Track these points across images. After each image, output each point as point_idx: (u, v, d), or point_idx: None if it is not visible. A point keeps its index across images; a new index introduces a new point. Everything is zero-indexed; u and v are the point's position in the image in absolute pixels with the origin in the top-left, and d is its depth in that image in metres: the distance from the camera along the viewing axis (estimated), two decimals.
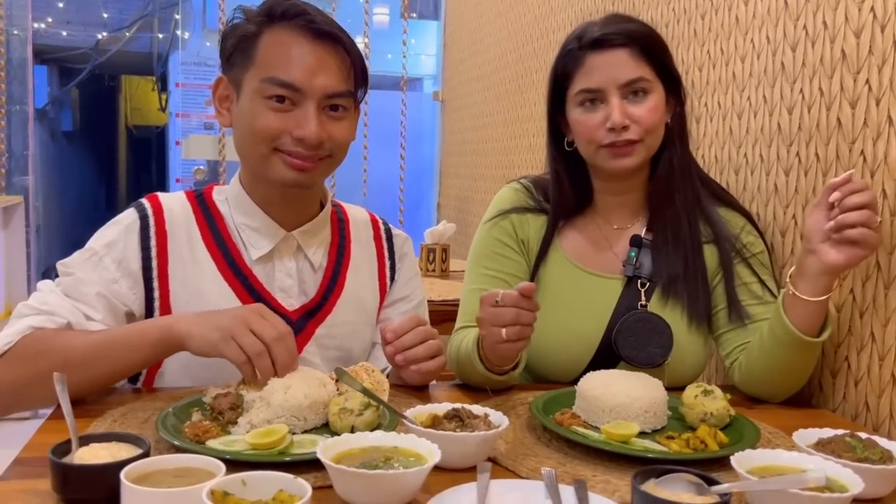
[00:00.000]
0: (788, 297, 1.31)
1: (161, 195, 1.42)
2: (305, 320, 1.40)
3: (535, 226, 1.53)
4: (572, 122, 1.45)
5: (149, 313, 1.34)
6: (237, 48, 1.32)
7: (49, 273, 1.42)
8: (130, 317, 1.33)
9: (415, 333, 1.30)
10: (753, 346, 1.40)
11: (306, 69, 1.29)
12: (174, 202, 1.40)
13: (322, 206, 1.46)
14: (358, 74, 1.35)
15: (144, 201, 1.40)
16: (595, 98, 1.41)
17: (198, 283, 1.35)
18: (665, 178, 1.47)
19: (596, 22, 1.43)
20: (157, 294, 1.34)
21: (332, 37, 1.31)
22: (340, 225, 1.51)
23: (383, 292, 1.52)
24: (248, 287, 1.37)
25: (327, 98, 1.30)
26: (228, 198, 1.42)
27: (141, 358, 1.21)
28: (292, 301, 1.39)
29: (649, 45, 1.41)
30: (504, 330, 1.21)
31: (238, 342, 1.12)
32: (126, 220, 1.36)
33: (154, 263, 1.34)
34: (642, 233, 1.50)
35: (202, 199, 1.43)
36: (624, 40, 1.39)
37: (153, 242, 1.35)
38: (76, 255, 1.33)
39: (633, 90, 1.39)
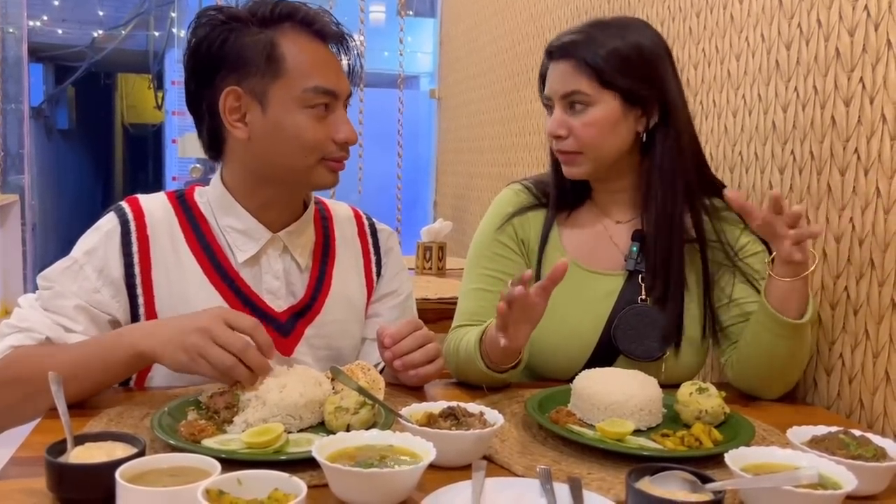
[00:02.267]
0: (768, 280, 1.34)
1: (141, 198, 1.39)
2: (294, 321, 1.39)
3: (535, 224, 1.53)
4: None
5: (134, 320, 1.33)
6: (251, 58, 1.27)
7: None
8: (115, 325, 1.31)
9: (413, 338, 1.29)
10: (743, 337, 1.41)
11: (335, 73, 1.32)
12: (155, 205, 1.38)
13: (306, 206, 1.45)
14: (357, 68, 1.40)
15: (124, 205, 1.37)
16: (549, 104, 1.46)
17: (183, 288, 1.33)
18: (646, 184, 1.46)
19: (573, 28, 1.45)
20: (141, 301, 1.32)
21: (340, 37, 1.35)
22: (324, 223, 1.49)
23: (370, 288, 1.51)
24: (235, 290, 1.35)
25: (346, 99, 1.35)
26: (210, 200, 1.39)
27: (117, 375, 1.22)
28: (280, 302, 1.38)
29: (593, 59, 1.38)
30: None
31: (208, 360, 1.11)
32: (106, 227, 1.33)
33: (137, 269, 1.32)
34: (643, 228, 1.50)
35: (184, 201, 1.40)
36: (563, 53, 1.41)
37: (135, 248, 1.32)
38: (57, 264, 1.31)
39: (570, 102, 1.41)
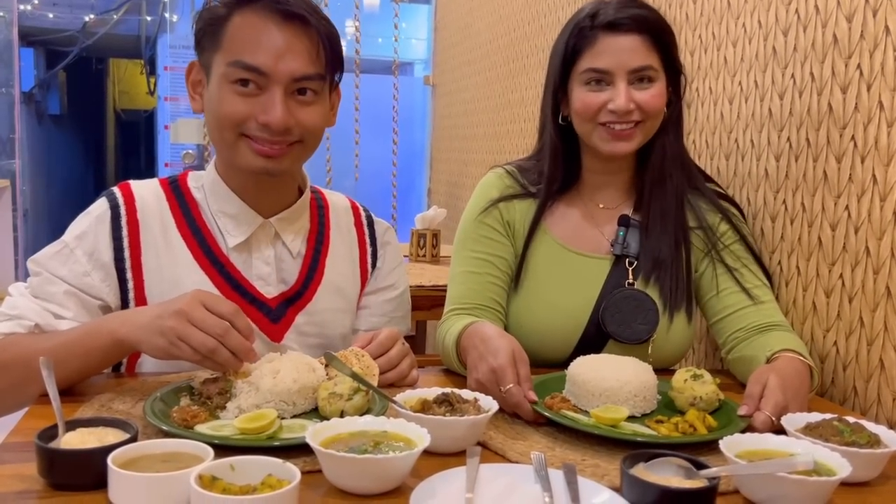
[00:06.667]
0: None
1: (133, 183, 1.40)
2: (285, 308, 1.39)
3: (520, 209, 1.53)
4: (574, 99, 1.45)
5: (124, 304, 1.32)
6: (206, 31, 1.30)
7: None
8: (106, 310, 1.31)
9: (386, 359, 1.29)
10: (741, 360, 1.41)
11: (273, 52, 1.25)
12: (147, 190, 1.38)
13: (301, 193, 1.44)
14: (330, 56, 1.30)
15: (115, 190, 1.38)
16: (601, 79, 1.41)
17: (173, 272, 1.33)
18: (658, 164, 1.47)
19: (610, 3, 1.43)
20: (131, 285, 1.32)
21: (301, 18, 1.27)
22: (320, 211, 1.49)
23: (364, 278, 1.51)
24: (224, 275, 1.35)
25: (295, 82, 1.27)
26: (205, 185, 1.39)
27: (99, 362, 1.20)
28: (270, 289, 1.38)
29: (661, 35, 1.42)
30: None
31: (188, 343, 1.08)
32: (97, 211, 1.34)
33: (126, 254, 1.32)
34: (629, 213, 1.51)
35: (177, 187, 1.40)
36: (638, 27, 1.40)
37: (125, 232, 1.33)
38: (47, 248, 1.31)
39: (639, 77, 1.40)
